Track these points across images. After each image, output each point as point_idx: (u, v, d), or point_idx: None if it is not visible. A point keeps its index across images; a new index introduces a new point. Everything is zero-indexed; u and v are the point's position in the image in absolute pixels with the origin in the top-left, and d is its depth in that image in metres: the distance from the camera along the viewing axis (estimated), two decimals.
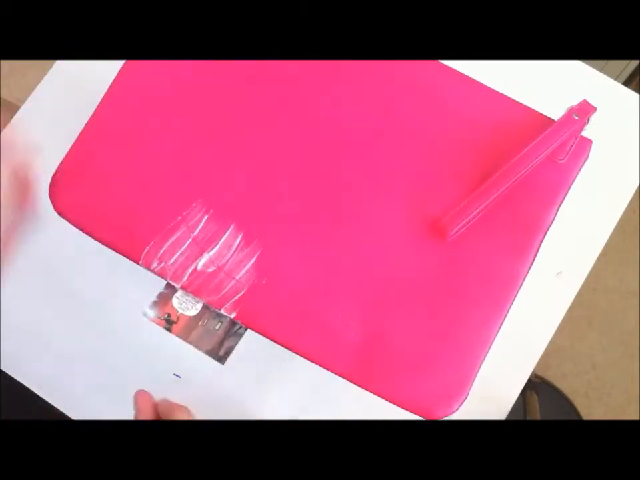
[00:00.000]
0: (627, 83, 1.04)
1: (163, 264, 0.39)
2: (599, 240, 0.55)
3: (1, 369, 0.52)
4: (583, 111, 0.38)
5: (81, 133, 0.40)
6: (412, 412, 0.38)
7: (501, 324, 0.38)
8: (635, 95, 0.59)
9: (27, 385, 0.53)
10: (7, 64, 1.22)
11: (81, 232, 0.40)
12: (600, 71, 0.59)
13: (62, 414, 0.52)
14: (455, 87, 0.40)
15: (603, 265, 1.20)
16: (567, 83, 0.59)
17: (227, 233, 0.39)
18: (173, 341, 0.54)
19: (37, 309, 0.54)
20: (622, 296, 1.20)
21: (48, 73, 0.59)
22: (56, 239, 0.54)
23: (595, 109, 0.39)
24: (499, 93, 0.40)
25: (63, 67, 0.59)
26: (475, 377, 0.38)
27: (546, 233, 0.39)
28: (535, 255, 0.39)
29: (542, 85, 0.58)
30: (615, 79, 0.59)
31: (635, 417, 1.15)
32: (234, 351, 0.53)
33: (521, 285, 0.39)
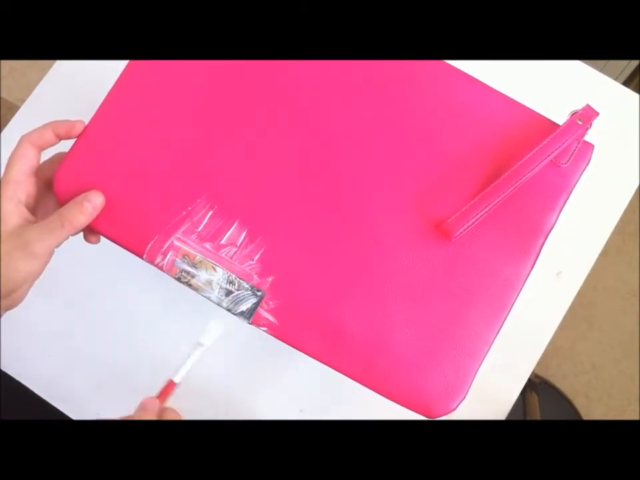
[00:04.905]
0: (626, 83, 1.05)
1: (167, 259, 0.39)
2: (599, 240, 0.56)
3: (1, 368, 0.52)
4: (586, 116, 0.38)
5: (85, 129, 0.40)
6: (411, 409, 0.38)
7: (502, 325, 0.39)
8: (635, 95, 0.59)
9: (26, 385, 0.53)
10: (7, 64, 1.22)
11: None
12: (600, 71, 0.59)
13: (62, 414, 0.52)
14: (460, 87, 0.40)
15: (603, 265, 1.20)
16: (567, 83, 0.59)
17: (231, 229, 0.39)
18: (171, 341, 0.54)
19: (38, 309, 0.54)
20: (622, 296, 1.20)
21: (48, 73, 0.59)
22: None
23: (597, 113, 0.39)
24: (503, 94, 0.41)
25: (63, 67, 0.59)
26: (475, 377, 0.38)
27: (547, 236, 0.39)
28: (537, 258, 0.39)
29: (542, 84, 0.58)
30: (615, 79, 0.59)
31: (634, 417, 1.15)
32: (234, 351, 0.53)
33: (522, 287, 0.39)
